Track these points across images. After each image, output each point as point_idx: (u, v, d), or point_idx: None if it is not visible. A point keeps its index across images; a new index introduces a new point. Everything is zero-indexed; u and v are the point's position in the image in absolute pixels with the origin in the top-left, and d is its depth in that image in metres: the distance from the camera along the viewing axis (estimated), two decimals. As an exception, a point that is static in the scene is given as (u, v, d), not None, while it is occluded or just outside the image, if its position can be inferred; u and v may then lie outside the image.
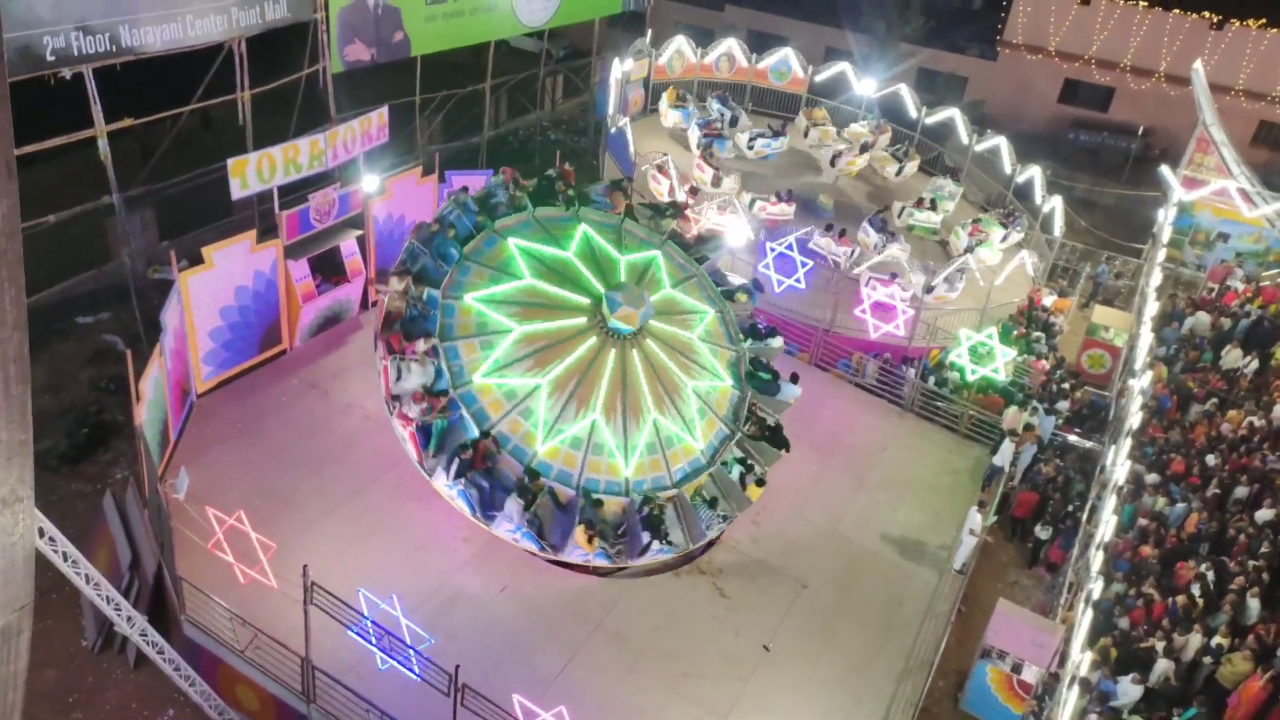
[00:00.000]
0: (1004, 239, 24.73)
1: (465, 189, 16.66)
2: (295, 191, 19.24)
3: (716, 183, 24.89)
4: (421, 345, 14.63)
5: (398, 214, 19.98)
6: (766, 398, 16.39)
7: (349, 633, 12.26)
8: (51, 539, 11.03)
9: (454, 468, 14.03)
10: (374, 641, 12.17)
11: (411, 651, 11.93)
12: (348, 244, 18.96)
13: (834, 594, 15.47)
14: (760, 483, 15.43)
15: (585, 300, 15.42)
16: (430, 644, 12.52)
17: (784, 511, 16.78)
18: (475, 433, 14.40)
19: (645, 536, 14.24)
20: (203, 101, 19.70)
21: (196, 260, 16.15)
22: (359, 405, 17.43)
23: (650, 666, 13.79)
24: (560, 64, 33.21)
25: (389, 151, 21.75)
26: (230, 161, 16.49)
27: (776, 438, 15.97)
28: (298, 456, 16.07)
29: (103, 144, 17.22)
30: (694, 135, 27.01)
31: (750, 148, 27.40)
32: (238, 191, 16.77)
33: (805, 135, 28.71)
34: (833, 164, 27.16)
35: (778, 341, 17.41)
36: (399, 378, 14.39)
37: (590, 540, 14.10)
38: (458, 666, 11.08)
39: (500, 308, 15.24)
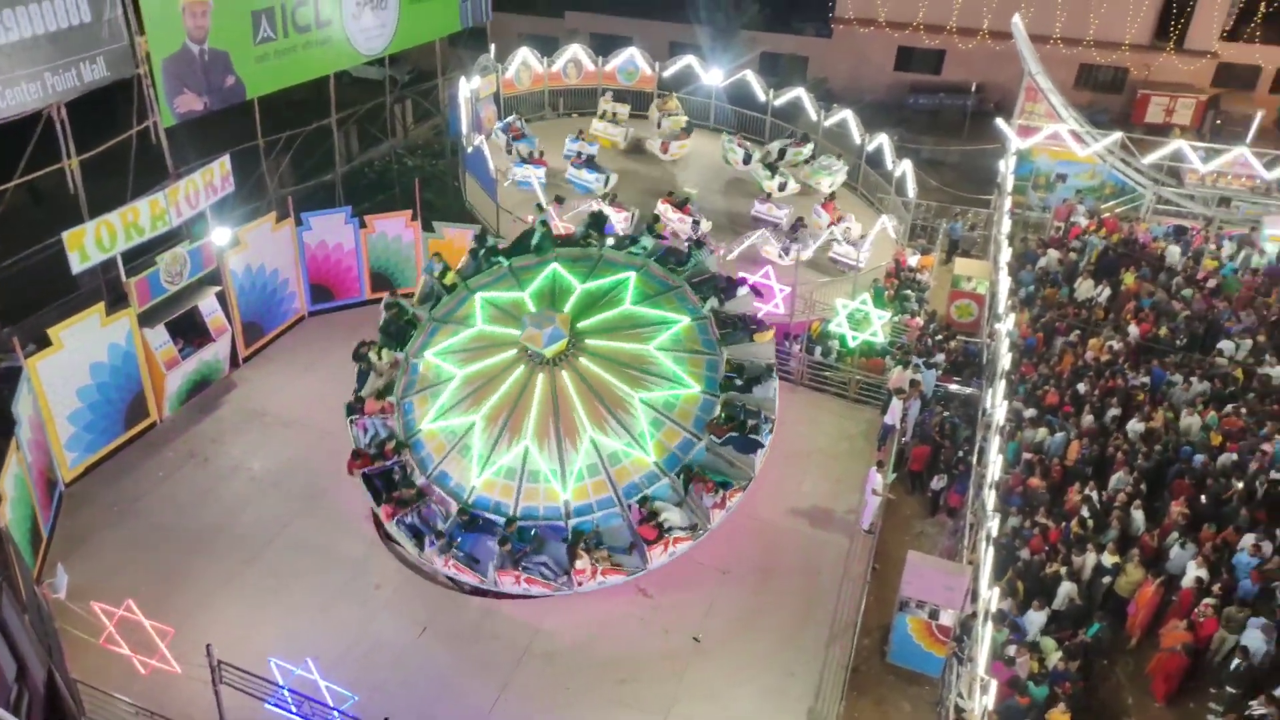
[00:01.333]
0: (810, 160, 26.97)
1: (394, 291, 17.06)
2: (142, 255, 18.30)
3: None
4: (375, 405, 15.46)
5: (256, 264, 19.29)
6: (746, 397, 15.83)
7: (267, 706, 11.76)
8: (-82, 665, 10.17)
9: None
10: (294, 711, 11.71)
11: (335, 713, 11.53)
12: (207, 302, 18.18)
13: (754, 575, 15.70)
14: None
15: (513, 351, 15.40)
16: (355, 701, 12.13)
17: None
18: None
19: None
20: (27, 175, 18.51)
21: (44, 343, 15.22)
22: (243, 467, 16.75)
23: (585, 680, 13.71)
24: (406, 89, 32.57)
25: (238, 199, 20.94)
26: (65, 234, 15.57)
27: (744, 441, 15.21)
28: (184, 531, 15.35)
29: (-81, 233, 15.98)
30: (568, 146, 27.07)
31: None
32: (78, 264, 15.84)
33: (659, 126, 29.01)
34: (664, 151, 28.07)
35: (743, 292, 17.22)
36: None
37: (586, 555, 14.22)
38: (386, 719, 10.74)
39: (451, 357, 15.53)
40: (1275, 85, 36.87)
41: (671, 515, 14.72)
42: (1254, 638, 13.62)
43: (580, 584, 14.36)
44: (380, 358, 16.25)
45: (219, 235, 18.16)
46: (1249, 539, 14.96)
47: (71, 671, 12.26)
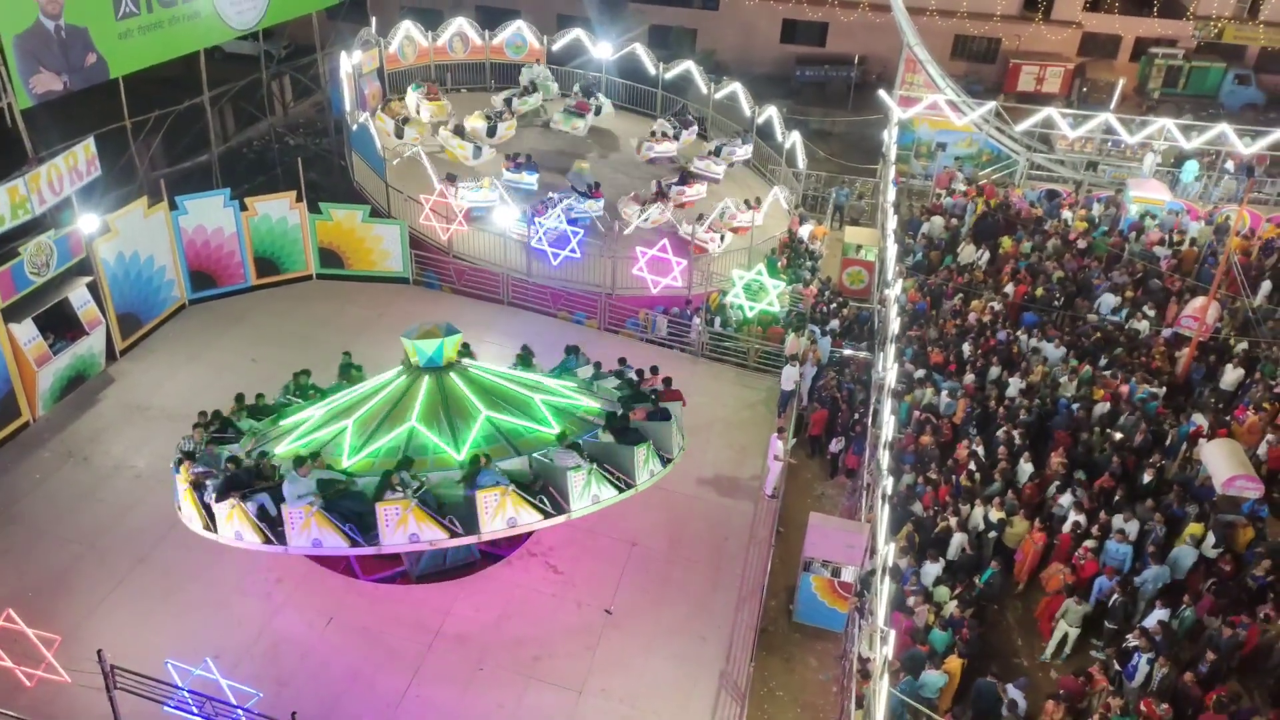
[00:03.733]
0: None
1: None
2: (3, 246, 17.15)
3: (478, 154, 25.20)
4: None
5: (130, 251, 18.32)
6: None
7: (166, 710, 11.33)
8: None
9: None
10: (196, 712, 11.32)
11: (240, 712, 11.20)
12: (78, 293, 17.21)
13: (663, 545, 15.91)
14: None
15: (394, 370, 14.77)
16: (259, 698, 11.77)
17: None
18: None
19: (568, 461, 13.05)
20: None
21: (-105, 343, 14.14)
22: (126, 464, 15.98)
23: (499, 660, 13.67)
24: (283, 65, 31.27)
25: (107, 184, 19.81)
26: (-87, 225, 14.47)
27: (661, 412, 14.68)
28: (66, 534, 14.57)
29: None
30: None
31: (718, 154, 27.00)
32: (-70, 258, 14.75)
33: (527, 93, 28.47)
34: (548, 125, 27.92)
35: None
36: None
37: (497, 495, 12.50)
38: (294, 713, 10.49)
39: (320, 428, 14.33)
40: (1134, 54, 38.98)
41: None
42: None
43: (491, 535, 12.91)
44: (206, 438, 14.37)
45: (86, 222, 17.16)
46: (1118, 521, 15.40)
47: (-52, 691, 11.56)
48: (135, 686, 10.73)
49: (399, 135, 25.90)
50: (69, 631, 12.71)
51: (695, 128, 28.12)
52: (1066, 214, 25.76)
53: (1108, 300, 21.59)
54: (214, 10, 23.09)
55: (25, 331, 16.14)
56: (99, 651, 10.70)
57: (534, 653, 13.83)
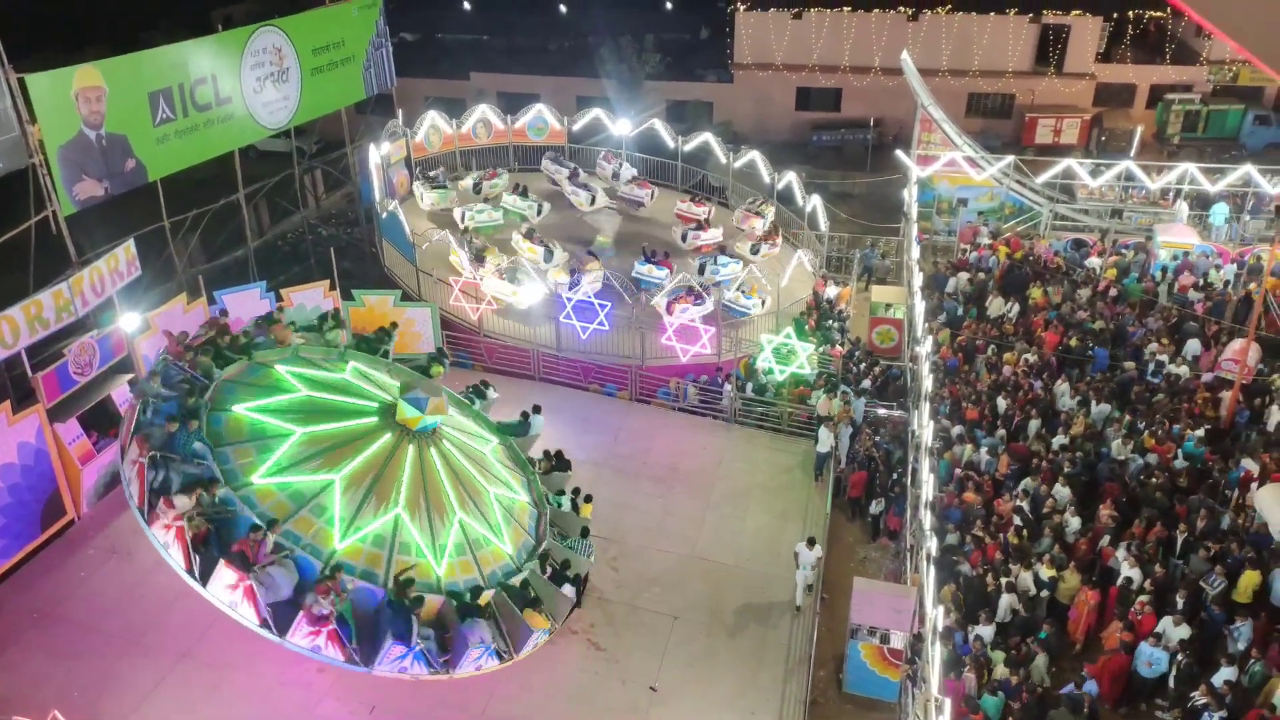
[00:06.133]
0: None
1: (164, 359, 15.12)
2: (48, 348, 17.65)
3: (550, 257, 24.72)
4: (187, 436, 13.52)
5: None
6: (519, 438, 16.84)
7: (211, 807, 11.19)
8: None
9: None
10: (241, 808, 11.16)
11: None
12: (120, 391, 17.57)
13: (705, 617, 15.65)
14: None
15: (373, 404, 14.96)
16: (305, 791, 11.62)
17: (640, 550, 16.85)
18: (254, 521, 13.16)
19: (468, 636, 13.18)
20: (-82, 274, 17.79)
21: (-54, 447, 14.49)
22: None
23: (543, 743, 13.41)
24: (315, 159, 32.36)
25: (147, 283, 20.40)
26: (-36, 332, 14.95)
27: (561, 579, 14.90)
28: (111, 631, 14.62)
29: None
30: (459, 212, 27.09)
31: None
32: (-21, 363, 15.21)
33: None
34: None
35: (492, 393, 17.95)
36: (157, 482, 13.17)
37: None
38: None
39: (276, 414, 14.39)
40: (1150, 101, 39.15)
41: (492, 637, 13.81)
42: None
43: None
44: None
45: (128, 321, 17.63)
46: (1164, 623, 14.27)
47: (-5, 795, 11.53)
48: (180, 785, 10.64)
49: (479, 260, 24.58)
50: (114, 730, 12.68)
51: (708, 208, 28.30)
52: (1094, 262, 25.62)
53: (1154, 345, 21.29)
54: (246, 111, 24.03)
55: (70, 431, 16.47)
56: (144, 750, 10.65)
57: (580, 734, 13.56)
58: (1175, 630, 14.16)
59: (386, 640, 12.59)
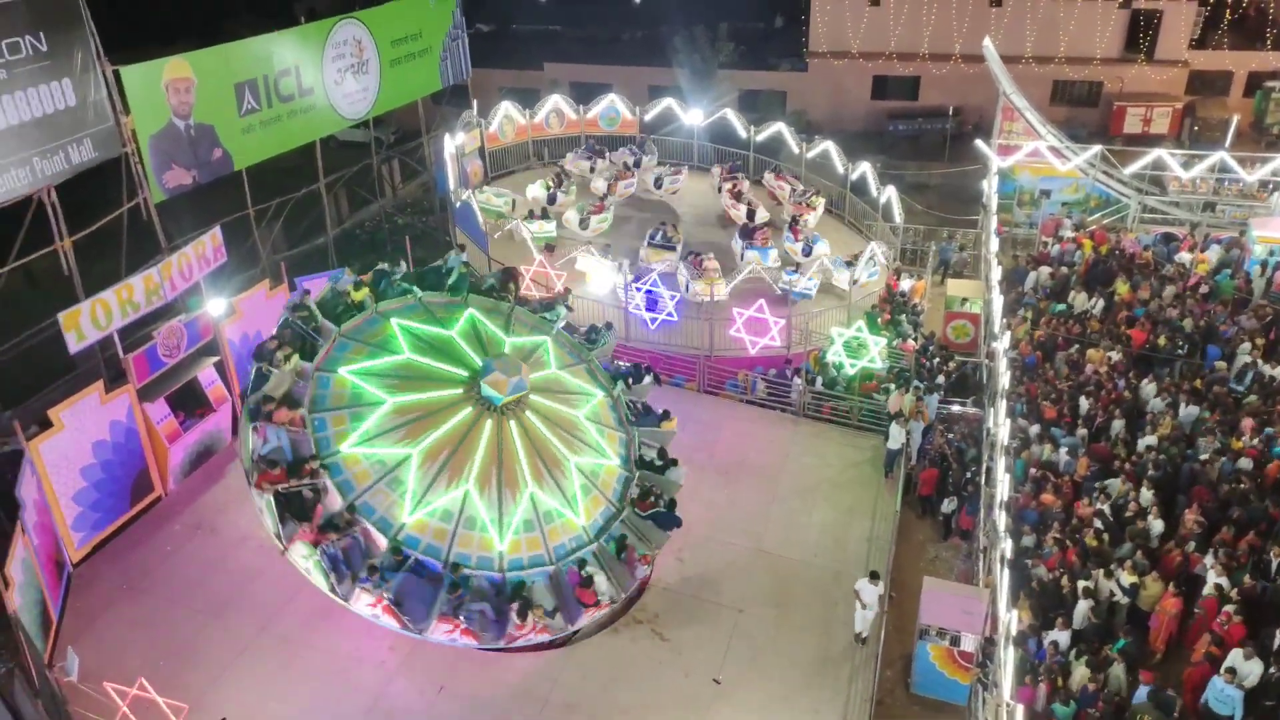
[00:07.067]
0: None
1: (307, 291, 16.18)
2: (139, 330, 18.37)
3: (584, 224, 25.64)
4: (286, 414, 14.17)
5: (253, 332, 19.31)
6: (658, 479, 16.22)
7: (286, 778, 11.56)
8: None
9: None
10: (314, 780, 11.52)
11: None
12: (206, 373, 18.20)
13: (770, 611, 15.54)
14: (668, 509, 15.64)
15: (463, 373, 15.25)
16: (375, 767, 11.92)
17: (705, 542, 16.82)
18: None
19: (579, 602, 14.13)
20: (21, 259, 18.64)
21: (45, 424, 15.19)
22: (251, 536, 16.60)
23: (607, 730, 13.51)
24: (392, 149, 33.01)
25: (232, 269, 21.07)
26: (61, 315, 15.63)
27: (667, 517, 15.63)
28: (194, 604, 15.19)
29: (-83, 324, 16.06)
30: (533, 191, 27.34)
31: (659, 186, 28.20)
32: (74, 344, 15.89)
33: (719, 190, 28.70)
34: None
35: (648, 380, 17.56)
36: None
37: (526, 615, 13.85)
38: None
39: (375, 380, 14.92)
40: (1248, 89, 37.38)
41: (600, 582, 14.52)
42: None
43: (513, 640, 13.99)
44: (287, 363, 14.70)
45: (214, 306, 18.23)
46: (1235, 656, 13.10)
47: (86, 756, 12.10)
48: (257, 755, 11.02)
49: (583, 227, 25.84)
50: (195, 700, 13.19)
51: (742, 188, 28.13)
52: (1184, 256, 24.61)
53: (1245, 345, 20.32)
54: (328, 102, 24.59)
55: (158, 410, 17.12)
56: (224, 720, 11.06)
57: (643, 723, 13.62)
58: (1247, 665, 12.96)
59: (435, 611, 13.41)
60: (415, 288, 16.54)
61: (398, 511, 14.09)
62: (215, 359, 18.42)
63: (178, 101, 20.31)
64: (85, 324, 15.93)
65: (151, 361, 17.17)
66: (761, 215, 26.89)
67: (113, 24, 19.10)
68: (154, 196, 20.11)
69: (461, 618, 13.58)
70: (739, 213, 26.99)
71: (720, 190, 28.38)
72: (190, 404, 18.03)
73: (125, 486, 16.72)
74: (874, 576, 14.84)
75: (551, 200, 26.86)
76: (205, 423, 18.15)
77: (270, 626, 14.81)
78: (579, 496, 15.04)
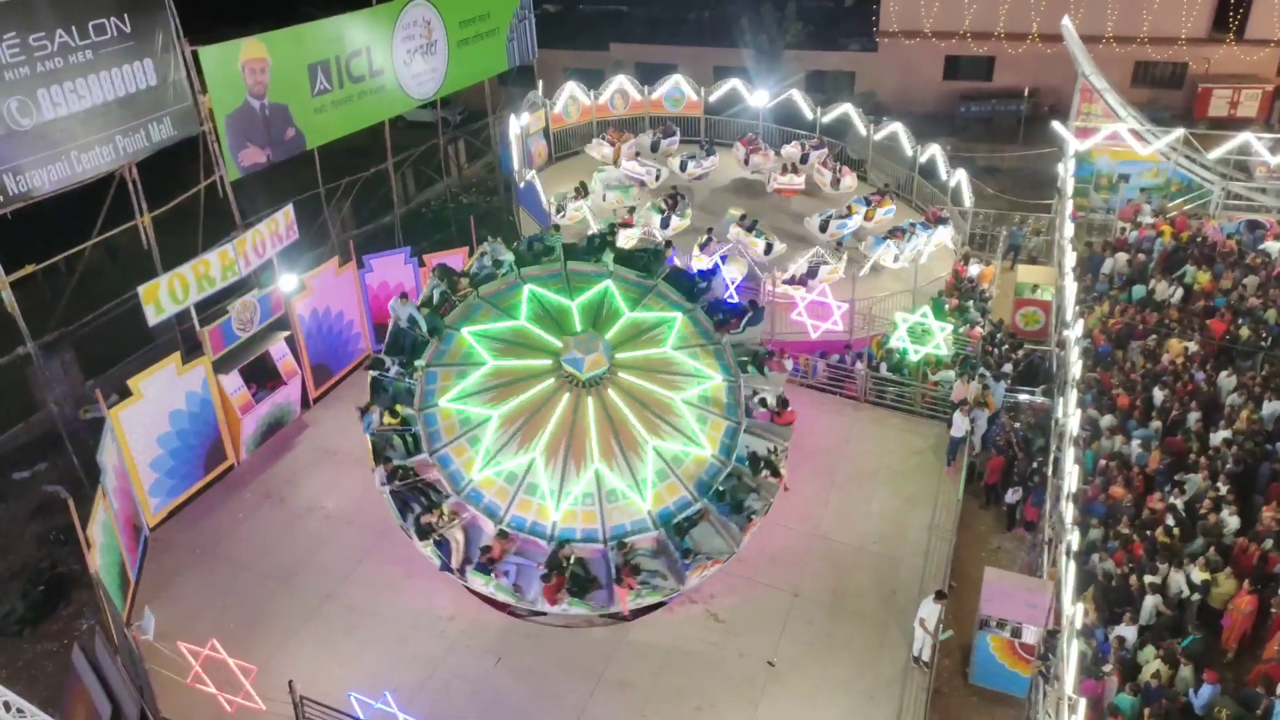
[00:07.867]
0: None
1: (404, 296, 16.53)
2: (214, 304, 18.94)
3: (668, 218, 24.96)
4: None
5: (322, 308, 19.78)
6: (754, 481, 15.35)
7: (349, 740, 11.91)
8: (20, 710, 10.55)
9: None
10: (376, 743, 11.85)
11: (416, 746, 11.64)
12: (277, 347, 18.68)
13: (827, 596, 15.46)
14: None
15: (558, 344, 15.41)
16: (433, 733, 12.21)
17: (763, 524, 16.72)
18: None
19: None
20: (104, 234, 19.35)
21: (125, 393, 15.77)
22: (318, 506, 17.10)
23: (661, 708, 13.61)
24: (458, 129, 33.34)
25: (303, 246, 21.57)
26: (141, 289, 16.19)
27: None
28: (264, 570, 15.68)
29: (7, 295, 16.76)
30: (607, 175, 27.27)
31: (683, 169, 27.94)
32: (153, 317, 16.45)
33: (745, 163, 28.56)
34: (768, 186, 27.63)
35: (785, 373, 17.29)
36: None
37: (626, 581, 14.00)
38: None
39: (486, 342, 15.58)
40: (1346, 70, 35.59)
41: (647, 570, 14.32)
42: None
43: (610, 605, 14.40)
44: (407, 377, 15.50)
45: (286, 282, 18.68)
46: None
47: (161, 711, 12.63)
48: (322, 716, 11.36)
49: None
50: (264, 662, 13.63)
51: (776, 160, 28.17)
52: (1271, 245, 23.58)
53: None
54: (396, 83, 24.93)
55: (232, 382, 17.66)
56: (290, 682, 11.42)
57: (696, 703, 13.68)
58: None
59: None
60: (561, 255, 16.96)
61: (469, 467, 14.61)
62: (287, 333, 18.90)
63: (253, 81, 20.80)
64: (164, 297, 16.47)
65: (226, 335, 17.69)
66: (846, 183, 27.04)
67: (191, 5, 19.58)
68: (230, 174, 20.66)
69: (640, 581, 14.06)
70: (824, 178, 27.38)
71: (746, 161, 28.32)
72: (262, 377, 18.54)
73: (200, 455, 17.30)
74: (939, 595, 13.95)
75: (665, 225, 24.57)
76: (276, 395, 18.64)
77: (336, 594, 15.23)
78: (650, 481, 14.71)
